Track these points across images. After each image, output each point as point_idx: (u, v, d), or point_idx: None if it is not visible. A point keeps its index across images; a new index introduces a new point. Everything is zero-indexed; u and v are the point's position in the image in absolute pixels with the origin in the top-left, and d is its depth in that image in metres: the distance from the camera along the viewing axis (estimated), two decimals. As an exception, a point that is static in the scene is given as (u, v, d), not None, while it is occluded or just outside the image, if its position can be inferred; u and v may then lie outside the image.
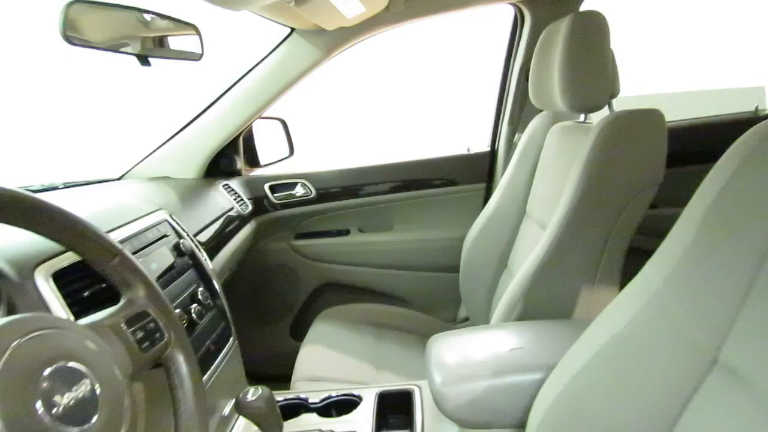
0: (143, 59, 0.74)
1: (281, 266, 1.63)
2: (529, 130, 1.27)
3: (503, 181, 1.30)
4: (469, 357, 0.80)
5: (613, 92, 1.03)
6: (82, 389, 0.42)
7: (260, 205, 1.58)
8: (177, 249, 0.91)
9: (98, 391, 0.44)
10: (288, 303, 1.63)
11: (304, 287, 1.64)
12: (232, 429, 0.89)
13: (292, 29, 1.31)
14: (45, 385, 0.40)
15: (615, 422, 0.53)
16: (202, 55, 0.93)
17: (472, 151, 1.62)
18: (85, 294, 0.63)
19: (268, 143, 1.71)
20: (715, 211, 0.48)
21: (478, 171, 1.58)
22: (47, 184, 1.20)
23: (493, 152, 1.58)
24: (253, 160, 1.63)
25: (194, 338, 0.83)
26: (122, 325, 0.54)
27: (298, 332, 1.64)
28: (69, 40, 0.66)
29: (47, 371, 0.41)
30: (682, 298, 0.49)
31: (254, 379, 1.08)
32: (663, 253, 0.54)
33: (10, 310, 0.55)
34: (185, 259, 0.93)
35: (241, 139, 1.54)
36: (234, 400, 0.82)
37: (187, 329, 0.81)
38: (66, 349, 0.43)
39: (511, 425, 0.74)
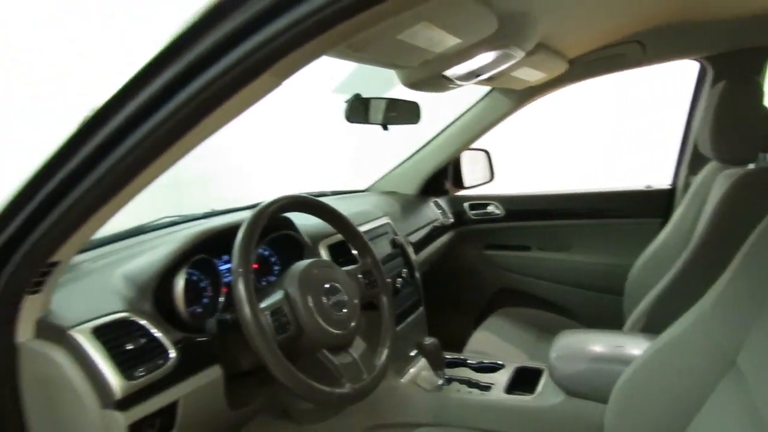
0: (384, 126, 1.24)
1: (472, 269, 2.02)
2: (701, 173, 1.40)
3: (674, 218, 1.45)
4: (581, 344, 1.07)
5: (766, 147, 1.13)
6: (339, 296, 0.91)
7: (460, 218, 2.01)
8: (393, 243, 1.41)
9: (346, 300, 0.92)
10: (473, 299, 2.02)
11: (487, 288, 2.00)
12: (414, 364, 1.34)
13: (492, 88, 1.70)
14: (325, 288, 0.89)
15: (655, 409, 0.75)
16: (419, 119, 1.41)
17: (652, 188, 1.75)
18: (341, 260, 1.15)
19: (472, 169, 2.13)
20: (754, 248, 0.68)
21: (654, 206, 1.71)
22: (326, 191, 1.87)
23: (671, 191, 1.69)
24: (458, 182, 2.07)
25: (396, 300, 1.30)
26: (359, 274, 1.02)
27: (475, 324, 2.01)
28: (349, 119, 1.19)
29: (326, 285, 0.90)
30: (722, 318, 0.69)
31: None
32: (717, 283, 0.74)
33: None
34: (397, 250, 1.41)
35: (450, 165, 2.00)
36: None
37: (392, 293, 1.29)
38: (334, 277, 0.93)
39: (602, 400, 0.99)
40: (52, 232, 0.64)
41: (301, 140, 4.83)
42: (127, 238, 1.08)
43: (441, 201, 1.97)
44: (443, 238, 1.86)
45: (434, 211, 1.89)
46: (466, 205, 2.01)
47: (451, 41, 0.88)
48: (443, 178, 2.02)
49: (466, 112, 1.85)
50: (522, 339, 1.55)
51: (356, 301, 0.96)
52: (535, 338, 1.59)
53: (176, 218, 1.28)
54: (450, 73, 1.07)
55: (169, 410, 0.81)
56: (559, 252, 1.88)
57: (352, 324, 0.92)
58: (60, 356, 0.72)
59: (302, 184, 2.26)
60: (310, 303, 0.86)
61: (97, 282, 0.85)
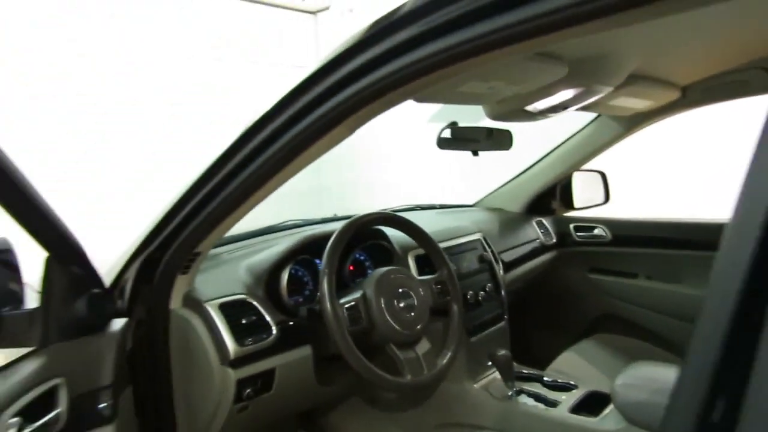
0: (475, 153, 1.35)
1: (575, 291, 2.02)
2: None
3: None
4: (650, 374, 1.08)
5: None
6: (410, 301, 1.07)
7: (564, 240, 2.01)
8: (480, 258, 1.51)
9: (416, 304, 1.07)
10: (573, 320, 2.01)
11: (590, 312, 1.98)
12: (489, 372, 1.43)
13: (599, 114, 1.70)
14: (398, 293, 1.06)
15: None
16: (511, 147, 1.49)
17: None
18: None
19: (584, 190, 2.11)
20: None
21: None
22: (435, 204, 2.03)
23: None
24: (568, 203, 2.07)
25: (476, 311, 1.41)
26: (433, 284, 1.17)
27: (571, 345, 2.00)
28: (440, 146, 1.33)
29: (400, 290, 1.06)
30: None
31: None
32: None
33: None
34: (484, 265, 1.52)
35: (559, 186, 2.02)
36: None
37: (472, 305, 1.40)
38: (408, 284, 1.09)
39: None
40: (198, 230, 0.89)
41: (423, 157, 5.04)
42: (255, 237, 1.36)
43: (545, 221, 2.00)
44: (542, 258, 1.90)
45: (535, 230, 1.94)
46: (571, 226, 2.01)
47: (519, 90, 0.98)
48: (551, 198, 2.04)
49: (576, 133, 1.87)
50: (608, 365, 1.54)
51: (426, 307, 1.11)
52: (622, 366, 1.57)
53: (298, 221, 1.55)
54: (531, 108, 1.15)
55: (268, 375, 1.04)
56: (668, 282, 1.79)
57: (419, 326, 1.07)
58: (197, 322, 0.99)
59: (417, 197, 2.43)
60: (382, 304, 1.03)
61: (227, 270, 1.12)
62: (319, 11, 6.33)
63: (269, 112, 0.76)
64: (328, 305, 0.97)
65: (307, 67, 0.73)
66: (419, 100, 0.93)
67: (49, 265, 0.77)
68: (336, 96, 0.69)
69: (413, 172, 5.40)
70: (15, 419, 0.68)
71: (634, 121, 1.65)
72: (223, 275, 1.10)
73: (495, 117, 1.21)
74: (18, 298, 0.76)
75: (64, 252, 0.78)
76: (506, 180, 2.13)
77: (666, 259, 1.79)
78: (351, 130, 0.75)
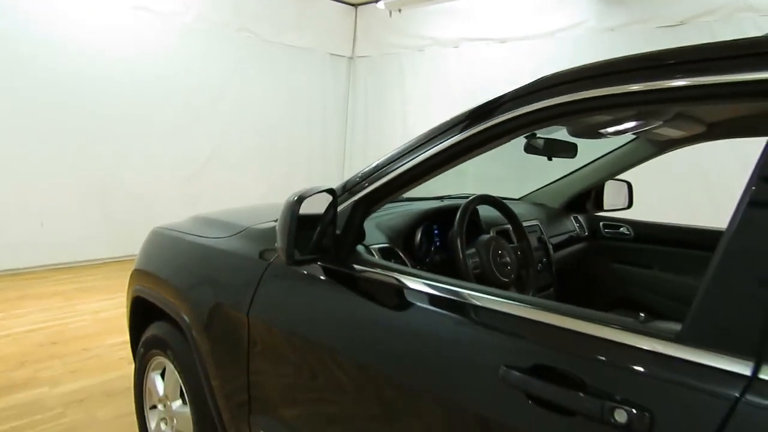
0: (549, 158, 1.78)
1: (599, 277, 2.47)
2: None
3: None
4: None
5: None
6: (504, 259, 1.51)
7: (595, 234, 2.46)
8: (538, 239, 1.95)
9: (508, 261, 1.52)
10: (595, 302, 2.46)
11: (609, 296, 2.43)
12: None
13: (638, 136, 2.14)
14: (498, 253, 1.50)
15: None
16: (576, 155, 1.92)
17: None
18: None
19: (613, 196, 2.56)
20: None
21: None
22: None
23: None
24: (598, 205, 2.52)
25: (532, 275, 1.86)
26: (517, 250, 1.60)
27: None
28: (526, 151, 1.76)
29: (499, 251, 1.51)
30: None
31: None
32: None
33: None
34: (541, 245, 1.96)
35: (593, 190, 2.46)
36: None
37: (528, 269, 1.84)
38: (503, 248, 1.53)
39: None
40: (381, 191, 1.26)
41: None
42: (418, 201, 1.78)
43: (580, 217, 2.45)
44: (576, 247, 2.35)
45: (573, 224, 2.38)
46: (601, 224, 2.46)
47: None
48: (585, 200, 2.49)
49: (615, 149, 2.31)
50: None
51: (515, 265, 1.55)
52: None
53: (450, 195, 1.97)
54: (603, 131, 1.59)
55: None
56: (677, 274, 2.24)
57: (511, 276, 1.51)
58: (369, 257, 1.39)
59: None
60: (489, 257, 1.47)
61: (385, 221, 1.54)
62: (359, 4, 6.69)
63: (459, 118, 1.16)
64: (460, 254, 1.40)
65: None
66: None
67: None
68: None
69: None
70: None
71: (667, 144, 2.09)
72: (381, 228, 1.52)
73: (572, 133, 1.64)
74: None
75: None
76: (548, 182, 2.57)
77: (677, 256, 2.25)
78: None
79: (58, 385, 2.68)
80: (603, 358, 0.78)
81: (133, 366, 2.01)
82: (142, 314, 1.92)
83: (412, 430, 1.00)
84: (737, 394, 0.64)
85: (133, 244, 5.10)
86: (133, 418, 2.32)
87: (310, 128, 6.59)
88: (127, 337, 2.08)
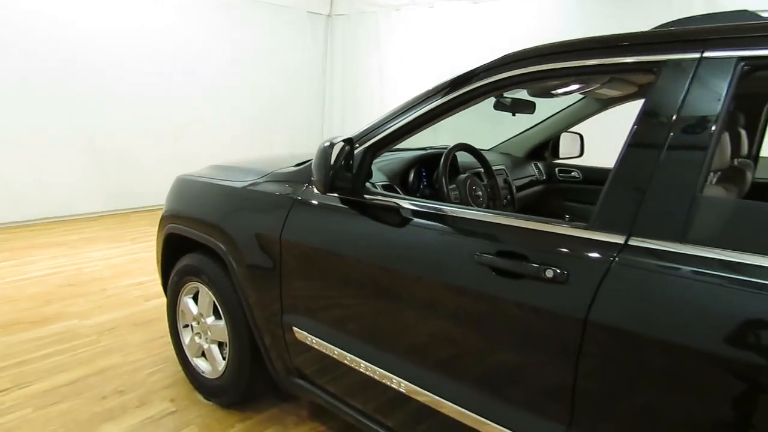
0: (513, 114, 2.20)
1: (553, 213, 2.95)
2: None
3: None
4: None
5: None
6: (478, 192, 1.95)
7: (551, 177, 2.93)
8: (504, 180, 2.40)
9: (480, 194, 1.96)
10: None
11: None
12: None
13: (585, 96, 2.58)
14: (473, 187, 1.94)
15: None
16: (534, 111, 2.35)
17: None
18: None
19: (567, 146, 3.02)
20: None
21: None
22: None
23: None
24: (555, 154, 2.98)
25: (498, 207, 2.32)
26: (487, 187, 2.05)
27: None
28: (495, 108, 2.17)
29: (473, 186, 1.95)
30: None
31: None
32: None
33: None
34: (506, 185, 2.41)
35: (551, 141, 2.92)
36: None
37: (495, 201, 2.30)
38: (477, 183, 1.98)
39: None
40: (384, 140, 1.67)
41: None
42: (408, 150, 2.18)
43: (540, 164, 2.91)
44: (535, 188, 2.82)
45: (533, 169, 2.85)
46: (556, 169, 2.93)
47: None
48: (544, 150, 2.94)
49: (567, 107, 2.75)
50: None
51: (486, 198, 1.99)
52: None
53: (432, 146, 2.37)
54: (554, 92, 2.01)
55: None
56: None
57: (483, 206, 1.95)
58: (375, 190, 1.81)
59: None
60: (466, 191, 1.91)
61: (385, 167, 1.95)
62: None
63: (444, 85, 1.56)
64: (445, 188, 1.83)
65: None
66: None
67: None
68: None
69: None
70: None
71: (607, 103, 2.53)
72: (383, 169, 1.92)
73: (532, 94, 2.06)
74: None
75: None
76: (512, 135, 3.01)
77: None
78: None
79: (88, 318, 3.04)
80: (541, 241, 1.23)
81: (150, 302, 2.34)
82: (174, 250, 2.28)
83: (411, 304, 1.44)
84: (614, 254, 1.09)
85: (126, 199, 5.45)
86: (163, 341, 2.73)
87: (289, 85, 6.82)
88: (140, 278, 2.43)
